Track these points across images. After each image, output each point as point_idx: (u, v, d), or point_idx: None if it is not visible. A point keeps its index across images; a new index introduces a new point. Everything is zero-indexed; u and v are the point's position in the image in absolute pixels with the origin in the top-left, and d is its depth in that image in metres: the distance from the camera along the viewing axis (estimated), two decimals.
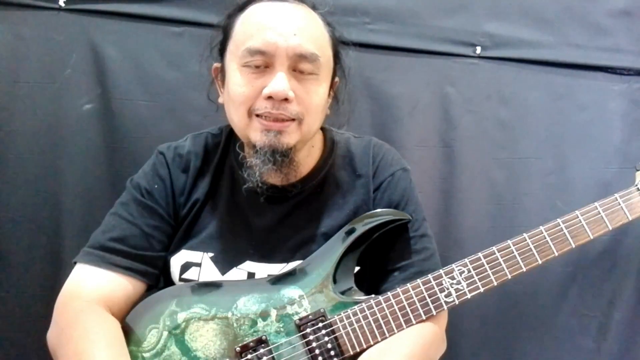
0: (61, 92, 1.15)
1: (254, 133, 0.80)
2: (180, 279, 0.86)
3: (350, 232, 0.85)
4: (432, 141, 1.31)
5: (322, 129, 0.94)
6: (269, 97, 0.77)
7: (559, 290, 1.34)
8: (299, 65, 0.79)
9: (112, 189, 1.18)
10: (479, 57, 1.29)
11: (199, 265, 0.86)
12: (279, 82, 0.77)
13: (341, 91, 0.94)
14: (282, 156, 0.80)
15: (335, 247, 0.84)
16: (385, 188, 0.89)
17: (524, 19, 1.30)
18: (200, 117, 1.19)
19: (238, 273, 0.86)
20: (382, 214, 0.86)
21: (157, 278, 0.87)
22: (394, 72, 1.27)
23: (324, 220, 0.88)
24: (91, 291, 0.79)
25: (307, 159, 0.89)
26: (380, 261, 0.88)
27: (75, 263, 0.83)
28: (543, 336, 1.35)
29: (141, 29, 1.18)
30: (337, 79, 0.91)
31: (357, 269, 0.87)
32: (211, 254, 0.86)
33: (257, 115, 0.80)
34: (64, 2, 1.13)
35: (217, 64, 0.90)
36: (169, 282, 0.88)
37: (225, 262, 0.86)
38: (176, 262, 0.86)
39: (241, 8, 0.83)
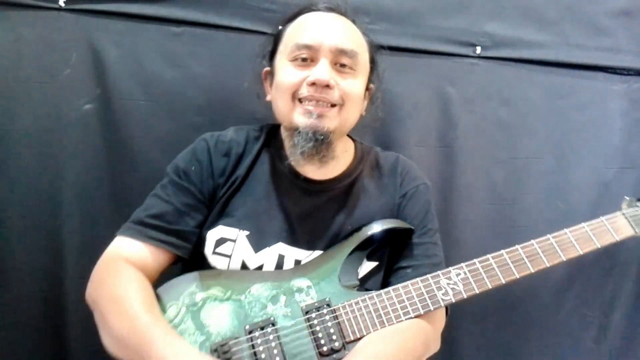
0: (61, 92, 1.15)
1: (297, 116, 0.90)
2: (214, 253, 0.92)
3: (358, 236, 0.93)
4: (432, 141, 1.31)
5: (353, 140, 1.05)
6: (313, 84, 0.88)
7: (559, 290, 1.34)
8: (340, 59, 0.90)
9: (112, 189, 1.19)
10: (479, 57, 1.29)
11: (234, 241, 0.93)
12: (322, 69, 0.88)
13: (376, 96, 1.04)
14: (322, 136, 0.89)
15: (344, 246, 0.93)
16: (410, 197, 0.99)
17: (524, 19, 1.30)
18: (200, 117, 1.19)
19: (270, 252, 0.93)
20: (386, 223, 0.94)
21: (189, 252, 0.94)
22: (394, 72, 1.27)
23: (350, 217, 0.96)
24: (129, 257, 0.88)
25: (341, 161, 0.98)
26: (395, 259, 0.96)
27: (116, 236, 0.92)
28: (543, 336, 1.35)
29: (141, 29, 1.17)
30: (372, 85, 1.02)
31: (375, 264, 0.95)
32: (247, 232, 0.93)
33: (300, 101, 0.90)
34: (64, 2, 1.13)
35: (267, 68, 1.01)
36: (202, 256, 0.94)
37: (259, 242, 0.93)
38: (212, 236, 0.93)
39: (291, 19, 0.97)
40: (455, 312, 0.93)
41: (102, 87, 1.17)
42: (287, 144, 0.96)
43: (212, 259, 0.92)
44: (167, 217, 0.91)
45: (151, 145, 1.18)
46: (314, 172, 0.96)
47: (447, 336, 0.99)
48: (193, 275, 0.89)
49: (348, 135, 1.03)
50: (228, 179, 0.95)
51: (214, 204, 0.95)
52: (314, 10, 0.96)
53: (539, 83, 1.32)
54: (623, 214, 0.93)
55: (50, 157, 1.16)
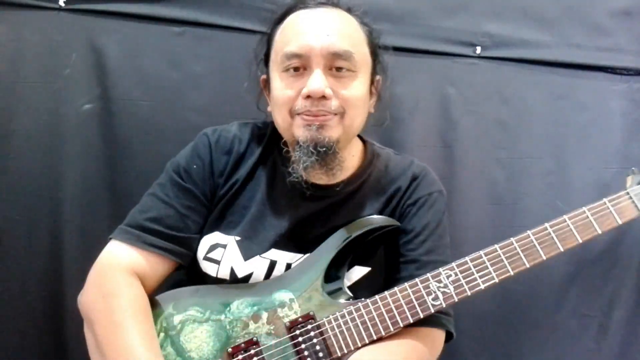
0: (61, 92, 1.15)
1: (297, 130, 0.84)
2: (205, 258, 0.88)
3: (339, 240, 0.87)
4: (432, 141, 1.31)
5: (364, 141, 0.97)
6: (308, 96, 0.81)
7: (559, 290, 1.34)
8: (335, 63, 0.82)
9: (112, 189, 1.19)
10: (479, 57, 1.29)
11: (224, 247, 0.88)
12: (316, 80, 0.80)
13: (383, 88, 0.96)
14: (324, 148, 0.81)
15: (326, 252, 0.86)
16: (421, 204, 0.91)
17: (524, 19, 1.30)
18: (200, 117, 1.19)
19: (260, 260, 0.88)
20: (372, 222, 0.88)
21: (189, 258, 0.89)
22: (394, 72, 1.26)
23: (349, 224, 0.89)
24: (127, 267, 0.83)
25: (347, 164, 0.90)
26: (402, 276, 0.88)
27: (110, 239, 0.86)
28: (543, 336, 1.35)
29: (141, 29, 1.17)
30: (378, 77, 0.94)
31: (367, 270, 0.89)
32: (238, 238, 0.88)
33: (299, 115, 0.83)
34: (64, 2, 1.13)
35: (264, 76, 0.94)
36: (195, 262, 0.90)
37: (250, 248, 0.88)
38: (206, 241, 0.89)
39: (279, 20, 0.89)
40: (456, 313, 0.93)
41: (102, 87, 1.17)
42: (291, 152, 0.89)
43: (203, 264, 0.88)
44: (168, 221, 0.85)
45: (151, 145, 1.18)
46: (319, 177, 0.89)
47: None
48: (168, 295, 0.85)
49: (358, 135, 0.96)
50: (227, 181, 0.90)
51: (214, 207, 0.90)
52: (302, 7, 0.87)
53: (539, 83, 1.32)
54: (627, 192, 0.84)
55: (50, 157, 1.16)
